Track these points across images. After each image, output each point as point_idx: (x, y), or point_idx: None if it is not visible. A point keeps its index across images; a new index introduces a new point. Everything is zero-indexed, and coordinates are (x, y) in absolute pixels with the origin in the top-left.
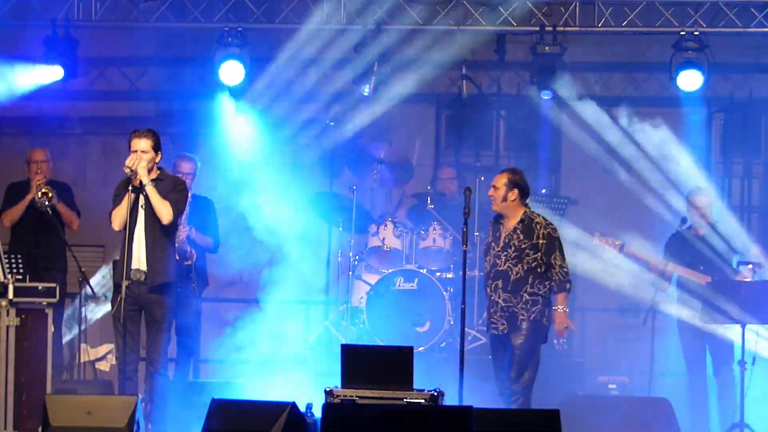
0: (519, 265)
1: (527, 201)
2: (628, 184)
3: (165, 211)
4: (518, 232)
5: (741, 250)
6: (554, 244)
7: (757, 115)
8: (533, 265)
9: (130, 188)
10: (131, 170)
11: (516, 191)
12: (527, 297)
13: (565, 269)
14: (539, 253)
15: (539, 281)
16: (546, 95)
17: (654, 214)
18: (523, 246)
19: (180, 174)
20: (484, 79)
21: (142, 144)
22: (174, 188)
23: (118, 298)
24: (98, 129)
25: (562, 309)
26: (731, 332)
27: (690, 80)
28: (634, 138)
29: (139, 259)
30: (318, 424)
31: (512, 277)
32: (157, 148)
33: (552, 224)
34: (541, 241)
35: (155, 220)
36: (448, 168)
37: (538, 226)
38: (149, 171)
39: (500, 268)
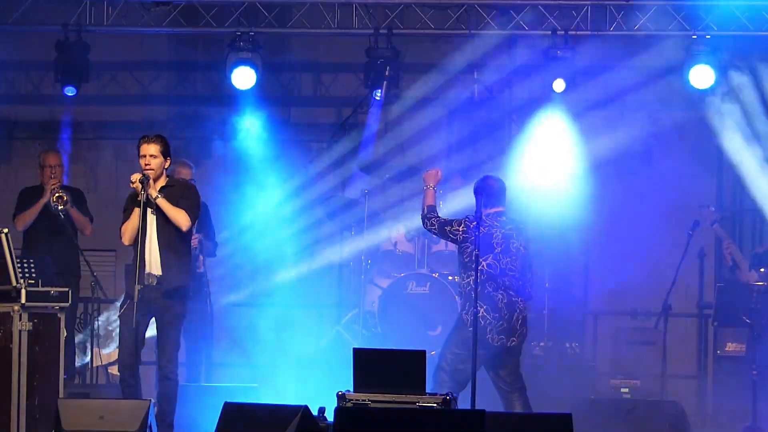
0: None
1: (495, 206)
2: (638, 186)
3: (182, 220)
4: None
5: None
6: None
7: None
8: None
9: (139, 198)
10: (141, 182)
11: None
12: None
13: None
14: None
15: None
16: (556, 98)
17: (662, 217)
18: None
19: None
20: (495, 82)
21: (151, 149)
22: (184, 194)
23: (128, 303)
24: (110, 133)
25: None
26: None
27: (702, 76)
28: (647, 139)
29: (151, 264)
30: (330, 428)
31: None
32: (166, 153)
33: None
34: None
35: (168, 225)
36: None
37: None
38: (158, 177)
39: None
